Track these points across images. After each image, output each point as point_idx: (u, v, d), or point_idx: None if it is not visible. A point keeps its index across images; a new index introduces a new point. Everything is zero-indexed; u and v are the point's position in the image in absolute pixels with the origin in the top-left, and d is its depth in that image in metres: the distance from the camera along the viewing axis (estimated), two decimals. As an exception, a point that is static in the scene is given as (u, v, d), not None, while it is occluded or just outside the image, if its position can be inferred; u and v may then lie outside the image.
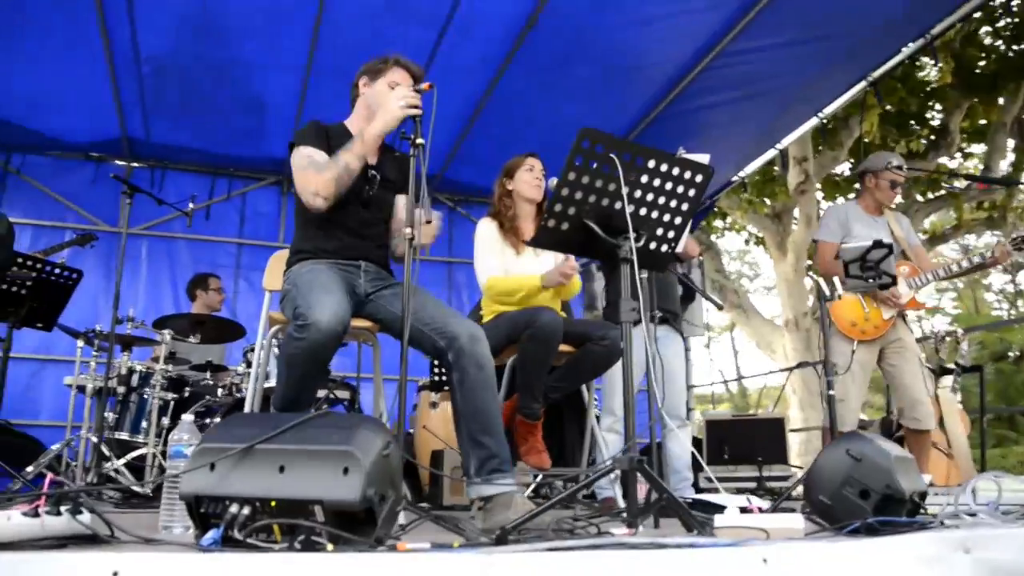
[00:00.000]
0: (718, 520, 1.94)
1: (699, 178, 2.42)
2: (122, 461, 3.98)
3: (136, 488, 3.65)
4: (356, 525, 1.59)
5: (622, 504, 3.21)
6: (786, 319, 11.05)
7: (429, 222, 2.47)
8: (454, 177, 7.12)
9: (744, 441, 5.42)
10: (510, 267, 3.49)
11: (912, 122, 10.11)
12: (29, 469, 4.10)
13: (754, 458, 5.29)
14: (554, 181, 3.37)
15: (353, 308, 2.71)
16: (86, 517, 1.61)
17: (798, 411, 10.69)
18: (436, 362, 5.15)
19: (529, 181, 3.59)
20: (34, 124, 6.10)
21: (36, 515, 1.53)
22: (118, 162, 6.68)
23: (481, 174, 6.54)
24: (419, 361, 5.67)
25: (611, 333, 3.17)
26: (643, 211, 2.40)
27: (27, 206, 6.45)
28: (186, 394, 4.52)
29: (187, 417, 2.33)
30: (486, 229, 3.55)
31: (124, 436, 4.29)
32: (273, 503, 1.58)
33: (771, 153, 6.70)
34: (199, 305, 5.63)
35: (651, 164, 2.33)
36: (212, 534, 1.56)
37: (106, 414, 4.22)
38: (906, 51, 5.35)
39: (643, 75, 5.55)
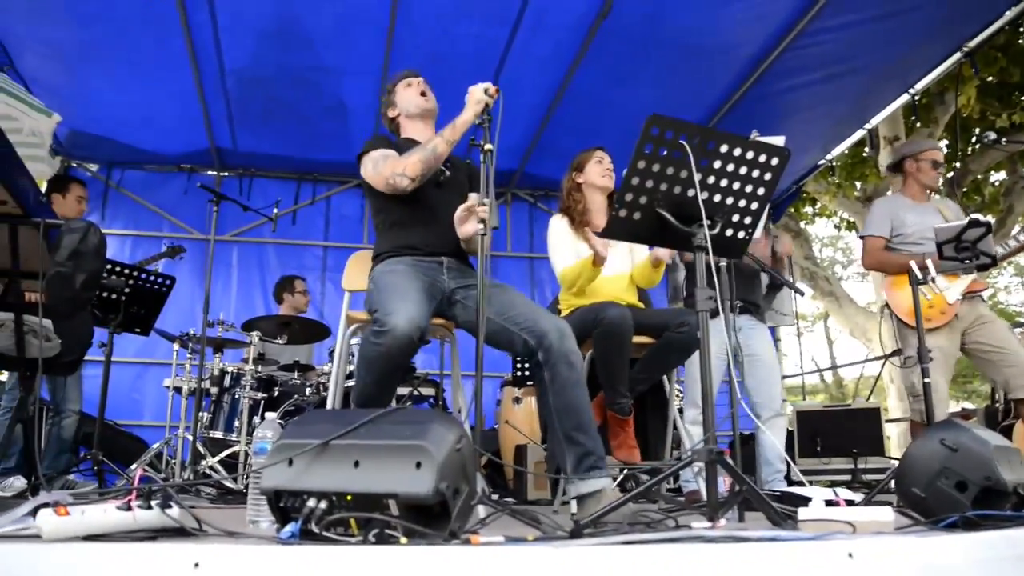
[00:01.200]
0: (802, 513, 1.87)
1: (775, 161, 2.34)
2: (216, 459, 4.13)
3: (228, 483, 3.77)
4: (430, 519, 1.59)
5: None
6: (881, 306, 10.60)
7: (496, 228, 2.49)
8: (534, 171, 7.11)
9: (837, 432, 5.22)
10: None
11: (1016, 93, 9.52)
12: (133, 467, 4.29)
13: (848, 450, 5.10)
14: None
15: (436, 308, 2.75)
16: (175, 511, 1.67)
17: (896, 401, 10.25)
18: (518, 358, 5.15)
19: (599, 172, 3.58)
20: (131, 140, 6.42)
21: (129, 509, 1.60)
22: (208, 172, 6.94)
23: (561, 168, 6.45)
24: (501, 357, 5.70)
25: (690, 319, 3.11)
26: (717, 197, 2.33)
27: (127, 218, 6.79)
28: (275, 394, 4.66)
29: (270, 415, 2.40)
30: (557, 225, 3.54)
31: (218, 435, 4.46)
32: (349, 497, 1.61)
33: (860, 134, 6.43)
34: (286, 307, 5.79)
35: (723, 148, 2.26)
36: (290, 527, 1.59)
37: (201, 414, 4.39)
38: (1006, 17, 5.03)
39: (722, 60, 5.40)
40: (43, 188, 6.58)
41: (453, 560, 1.35)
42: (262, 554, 1.34)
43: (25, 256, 2.33)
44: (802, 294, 4.30)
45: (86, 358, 4.65)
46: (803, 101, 5.84)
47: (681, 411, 3.84)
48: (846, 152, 7.41)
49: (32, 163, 4.75)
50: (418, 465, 1.58)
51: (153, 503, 1.67)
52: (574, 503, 2.89)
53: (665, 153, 2.25)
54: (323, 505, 1.61)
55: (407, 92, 3.04)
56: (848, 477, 5.02)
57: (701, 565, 1.38)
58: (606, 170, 3.58)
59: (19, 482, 4.07)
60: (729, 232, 2.43)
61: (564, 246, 3.46)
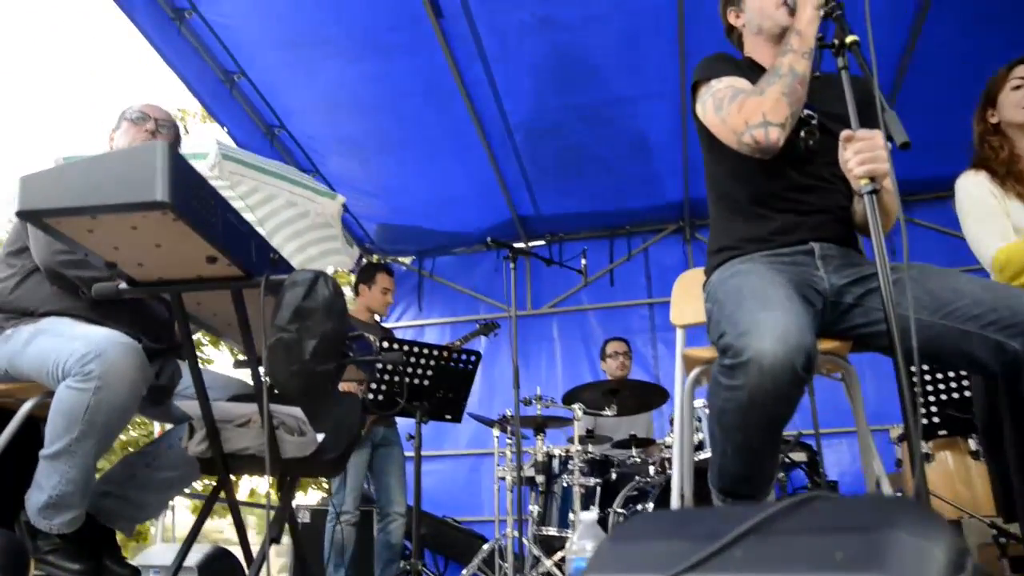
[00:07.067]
0: None
1: None
2: (550, 562, 3.42)
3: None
4: None
5: None
6: None
7: (906, 146, 1.48)
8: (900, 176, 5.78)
9: None
10: (1021, 227, 2.28)
11: None
12: (464, 573, 3.75)
13: None
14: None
15: (819, 322, 1.79)
16: None
17: None
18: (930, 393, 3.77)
19: (1021, 101, 2.37)
20: (435, 224, 6.28)
21: None
22: (516, 244, 6.60)
23: (913, 161, 5.20)
24: (885, 402, 4.39)
25: None
26: None
27: (443, 305, 6.66)
28: (613, 476, 3.86)
29: (587, 517, 1.62)
30: (972, 186, 2.39)
31: (552, 531, 3.75)
32: None
33: None
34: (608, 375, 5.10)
35: None
36: None
37: (531, 507, 3.74)
38: None
39: None
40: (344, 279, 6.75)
41: None
42: None
43: (259, 331, 1.83)
44: None
45: (407, 454, 4.34)
46: None
47: None
48: None
49: (330, 255, 4.63)
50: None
51: None
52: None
53: None
54: None
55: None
56: None
57: None
58: None
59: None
60: None
61: (986, 216, 2.30)
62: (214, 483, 2.06)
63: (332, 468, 2.00)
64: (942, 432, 3.61)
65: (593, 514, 1.60)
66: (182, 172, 1.49)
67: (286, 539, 2.18)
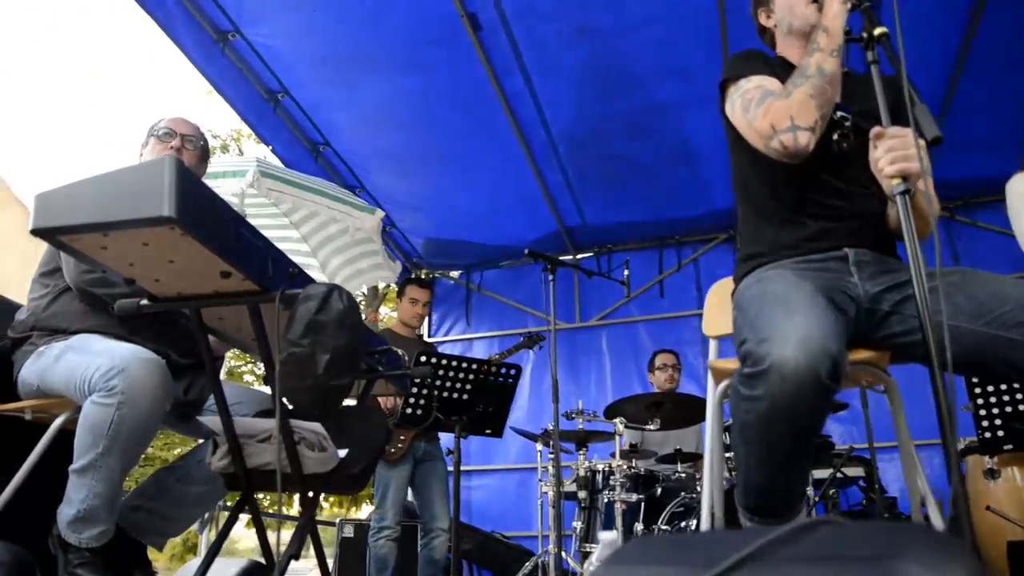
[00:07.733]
0: None
1: None
2: (593, 581, 3.34)
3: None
4: None
5: None
6: None
7: (937, 138, 1.37)
8: (939, 176, 5.55)
9: None
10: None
11: None
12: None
13: None
14: None
15: (852, 330, 1.70)
16: None
17: None
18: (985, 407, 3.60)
19: None
20: (482, 238, 6.27)
21: None
22: (560, 257, 6.55)
23: (972, 163, 5.00)
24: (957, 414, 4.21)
25: None
26: None
27: (491, 319, 6.64)
28: (657, 492, 3.76)
29: (607, 536, 1.68)
30: (1022, 187, 2.27)
31: (594, 548, 3.66)
32: None
33: None
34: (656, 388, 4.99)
35: None
36: None
37: (575, 523, 3.67)
38: None
39: None
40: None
41: None
42: None
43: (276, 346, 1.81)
44: None
45: (460, 467, 4.29)
46: None
47: None
48: None
49: (373, 271, 4.65)
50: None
51: None
52: None
53: None
54: None
55: None
56: None
57: None
58: None
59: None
60: None
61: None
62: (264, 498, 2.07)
63: (353, 484, 1.98)
64: (1008, 446, 3.42)
65: (614, 534, 1.54)
66: (190, 187, 1.49)
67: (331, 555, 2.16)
